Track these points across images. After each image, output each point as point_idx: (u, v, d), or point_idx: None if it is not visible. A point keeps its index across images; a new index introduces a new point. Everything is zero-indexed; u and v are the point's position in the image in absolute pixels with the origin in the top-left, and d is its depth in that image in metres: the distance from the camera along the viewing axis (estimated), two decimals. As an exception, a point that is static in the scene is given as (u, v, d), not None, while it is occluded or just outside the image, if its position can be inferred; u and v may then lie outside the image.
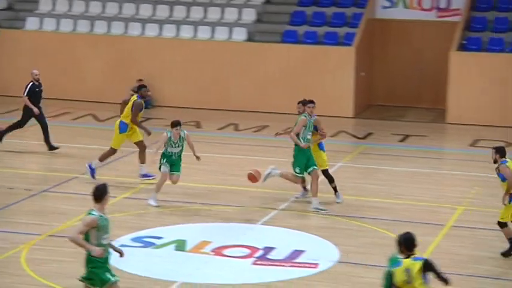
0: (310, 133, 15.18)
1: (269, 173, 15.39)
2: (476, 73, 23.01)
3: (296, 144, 15.12)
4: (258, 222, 14.53)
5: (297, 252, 13.01)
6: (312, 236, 13.81)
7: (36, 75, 18.98)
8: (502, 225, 12.84)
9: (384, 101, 25.20)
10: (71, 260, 12.15)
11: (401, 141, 21.10)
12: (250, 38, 25.14)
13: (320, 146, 15.44)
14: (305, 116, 15.16)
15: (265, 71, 24.46)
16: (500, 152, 12.66)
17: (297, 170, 15.12)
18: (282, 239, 13.71)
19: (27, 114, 18.84)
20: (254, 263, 12.61)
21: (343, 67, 23.97)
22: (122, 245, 13.22)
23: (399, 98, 25.28)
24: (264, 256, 12.86)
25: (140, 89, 16.72)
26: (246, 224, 14.44)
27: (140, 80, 24.51)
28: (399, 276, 8.72)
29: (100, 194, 9.38)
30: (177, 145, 15.04)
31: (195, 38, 25.34)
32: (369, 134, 21.80)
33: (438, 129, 22.94)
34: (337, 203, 15.32)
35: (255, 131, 22.13)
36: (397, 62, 25.52)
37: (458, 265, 12.61)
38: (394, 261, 8.89)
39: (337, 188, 15.39)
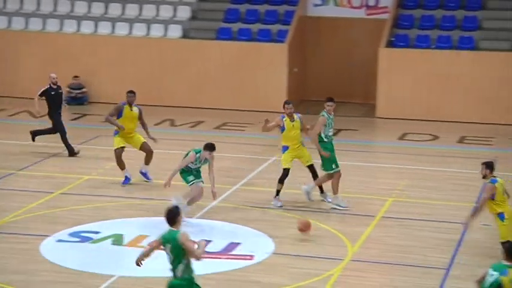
0: (332, 130, 15.22)
1: (308, 192, 15.36)
2: (404, 69, 23.68)
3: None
4: (195, 216, 14.84)
5: (233, 245, 13.35)
6: (247, 228, 14.18)
7: (53, 78, 18.59)
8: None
9: (317, 96, 25.67)
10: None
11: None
12: (185, 35, 25.40)
13: (303, 144, 15.61)
14: (324, 115, 15.17)
15: (200, 68, 24.74)
16: (491, 167, 12.24)
17: (333, 166, 15.03)
18: (218, 232, 14.04)
19: (56, 120, 18.45)
20: (191, 256, 12.92)
21: (276, 63, 24.41)
22: (60, 240, 13.45)
23: (331, 93, 25.64)
24: (200, 249, 13.17)
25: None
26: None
27: (76, 76, 24.58)
28: (507, 286, 8.81)
29: (173, 216, 9.29)
30: (200, 164, 14.46)
31: (130, 35, 25.48)
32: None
33: (369, 123, 23.53)
34: (328, 202, 15.41)
35: (191, 127, 22.44)
36: (329, 59, 26.04)
37: (388, 254, 13.13)
38: (499, 268, 8.91)
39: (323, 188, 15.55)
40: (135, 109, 16.70)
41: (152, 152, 16.67)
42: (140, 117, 16.75)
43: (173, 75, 24.88)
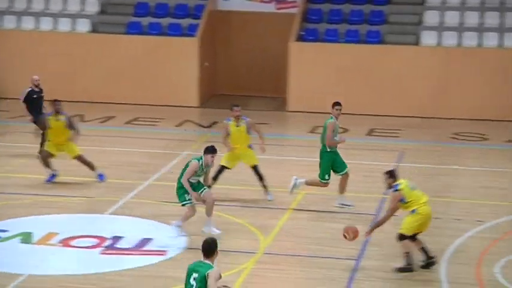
0: (338, 136, 15.04)
1: (294, 184, 15.11)
2: (314, 63, 23.93)
3: (324, 150, 14.90)
4: (106, 212, 14.69)
5: (145, 240, 13.28)
6: (160, 224, 14.11)
7: (36, 80, 18.03)
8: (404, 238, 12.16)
9: (228, 90, 25.75)
10: None
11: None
12: (94, 29, 25.07)
13: (249, 145, 15.50)
14: (331, 120, 14.97)
15: (110, 63, 24.46)
16: (394, 176, 12.15)
17: (326, 177, 14.90)
18: (131, 227, 13.95)
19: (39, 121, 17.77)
20: (102, 253, 12.80)
21: (187, 58, 24.33)
22: (-32, 240, 13.12)
23: (242, 87, 25.90)
24: (112, 245, 13.06)
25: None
26: (93, 215, 14.57)
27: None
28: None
29: (209, 248, 8.88)
30: (203, 172, 13.41)
31: (37, 29, 25.00)
32: (214, 122, 22.28)
33: (280, 117, 23.70)
34: (269, 200, 15.40)
35: (101, 122, 22.18)
36: (240, 53, 26.11)
37: (300, 246, 13.26)
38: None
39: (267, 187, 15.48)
40: (62, 118, 16.19)
41: (86, 162, 16.29)
42: (70, 125, 16.15)
43: (82, 70, 24.52)
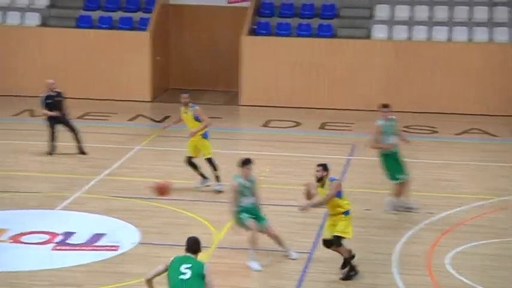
0: (392, 138, 14.54)
1: (392, 205, 14.55)
2: (267, 56, 23.95)
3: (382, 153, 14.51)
4: (57, 207, 14.55)
5: (98, 236, 13.18)
6: (112, 219, 14.03)
7: (50, 84, 17.69)
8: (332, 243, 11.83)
9: (181, 84, 25.65)
10: None
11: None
12: (44, 23, 24.77)
13: (204, 135, 15.51)
14: (379, 122, 14.59)
15: (60, 57, 24.19)
16: (327, 169, 11.78)
17: (397, 176, 14.36)
18: (82, 223, 13.83)
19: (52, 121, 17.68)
20: (54, 249, 12.68)
21: (138, 52, 24.16)
22: None
23: (195, 81, 25.83)
24: (63, 241, 12.94)
25: None
26: (44, 210, 14.42)
27: None
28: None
29: (198, 246, 9.02)
30: (249, 190, 12.26)
31: (-14, 23, 24.66)
32: (166, 117, 22.18)
33: (233, 111, 23.68)
34: (218, 191, 15.38)
35: (51, 117, 21.95)
36: (192, 47, 26.02)
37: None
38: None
39: (220, 178, 15.46)
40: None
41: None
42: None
43: (32, 64, 24.22)
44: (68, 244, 12.85)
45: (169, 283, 8.82)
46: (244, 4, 25.10)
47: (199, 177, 15.77)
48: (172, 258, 8.95)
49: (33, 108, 22.48)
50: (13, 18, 24.72)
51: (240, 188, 12.18)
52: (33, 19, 24.68)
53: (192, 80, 25.85)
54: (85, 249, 12.68)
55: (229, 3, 25.49)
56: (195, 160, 15.68)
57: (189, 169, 15.75)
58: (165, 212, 14.41)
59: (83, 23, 24.62)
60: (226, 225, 13.74)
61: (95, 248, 12.75)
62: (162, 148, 19.00)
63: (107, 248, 12.74)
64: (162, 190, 12.16)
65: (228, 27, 25.36)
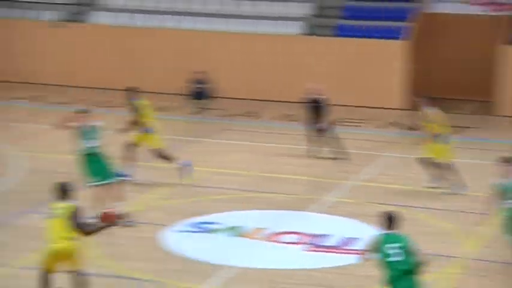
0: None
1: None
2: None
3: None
4: (309, 209, 14.85)
5: (350, 239, 13.26)
6: (364, 224, 14.07)
7: (315, 90, 18.21)
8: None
9: (439, 93, 25.37)
10: None
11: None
12: (306, 32, 25.65)
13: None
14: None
15: (322, 65, 24.93)
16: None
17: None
18: (335, 226, 14.01)
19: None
20: (308, 249, 12.93)
21: (394, 60, 24.28)
22: (179, 230, 13.72)
23: (451, 90, 25.44)
24: (315, 242, 13.17)
25: None
26: (297, 211, 14.76)
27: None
28: None
29: (396, 219, 9.39)
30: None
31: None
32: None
33: (488, 121, 23.05)
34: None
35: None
36: (446, 55, 25.66)
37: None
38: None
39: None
40: None
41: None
42: None
43: (299, 71, 25.06)
44: (320, 246, 13.08)
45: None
46: (504, 13, 24.38)
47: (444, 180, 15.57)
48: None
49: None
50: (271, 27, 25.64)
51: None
52: (294, 28, 25.56)
53: (449, 89, 25.52)
54: (336, 252, 12.84)
55: (491, 11, 24.91)
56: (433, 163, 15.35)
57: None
58: (417, 221, 14.23)
59: (343, 31, 25.17)
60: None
61: (347, 251, 12.88)
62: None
63: (358, 252, 12.81)
64: (108, 218, 11.30)
65: (483, 36, 24.80)
